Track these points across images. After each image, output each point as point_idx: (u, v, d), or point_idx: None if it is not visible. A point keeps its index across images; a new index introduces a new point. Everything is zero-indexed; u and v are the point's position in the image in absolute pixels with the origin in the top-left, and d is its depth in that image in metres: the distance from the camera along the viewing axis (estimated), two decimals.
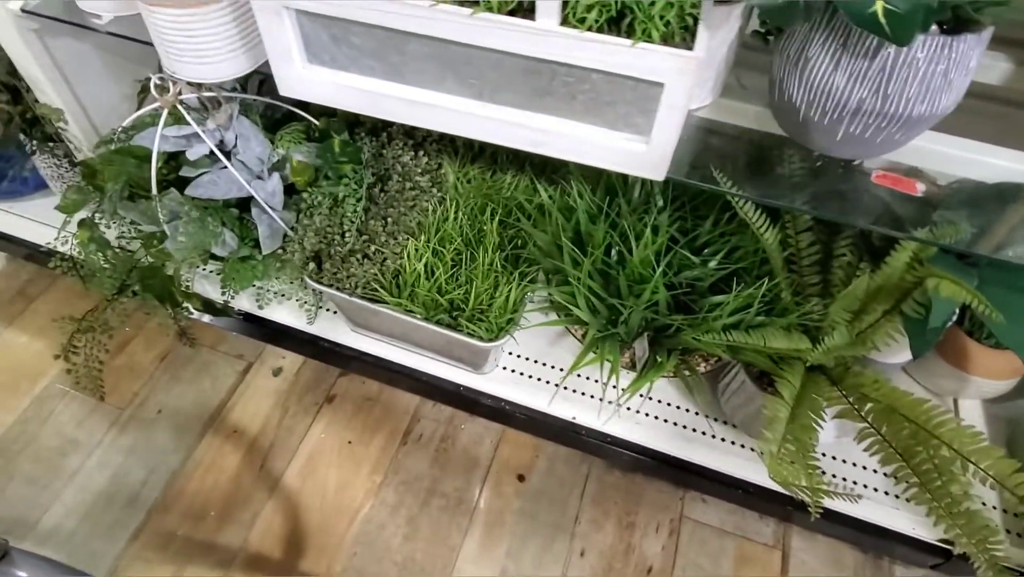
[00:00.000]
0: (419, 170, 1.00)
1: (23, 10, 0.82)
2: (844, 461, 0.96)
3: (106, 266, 0.99)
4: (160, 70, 1.00)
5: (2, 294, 1.38)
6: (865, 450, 0.72)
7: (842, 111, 0.61)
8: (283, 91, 0.71)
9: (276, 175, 0.97)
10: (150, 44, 0.80)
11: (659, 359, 0.77)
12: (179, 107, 0.90)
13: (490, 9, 0.56)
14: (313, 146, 0.98)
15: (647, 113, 0.60)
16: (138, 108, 1.06)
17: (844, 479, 0.95)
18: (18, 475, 1.12)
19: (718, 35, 0.61)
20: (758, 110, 0.74)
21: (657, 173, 0.64)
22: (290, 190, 1.01)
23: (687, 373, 0.79)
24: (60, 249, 1.01)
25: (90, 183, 1.00)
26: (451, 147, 1.02)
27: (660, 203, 0.88)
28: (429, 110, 0.66)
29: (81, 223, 0.97)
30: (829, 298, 0.83)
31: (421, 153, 1.01)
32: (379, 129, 1.04)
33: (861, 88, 0.59)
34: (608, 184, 0.90)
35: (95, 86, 0.98)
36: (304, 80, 0.69)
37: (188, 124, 0.92)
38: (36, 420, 1.19)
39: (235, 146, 0.96)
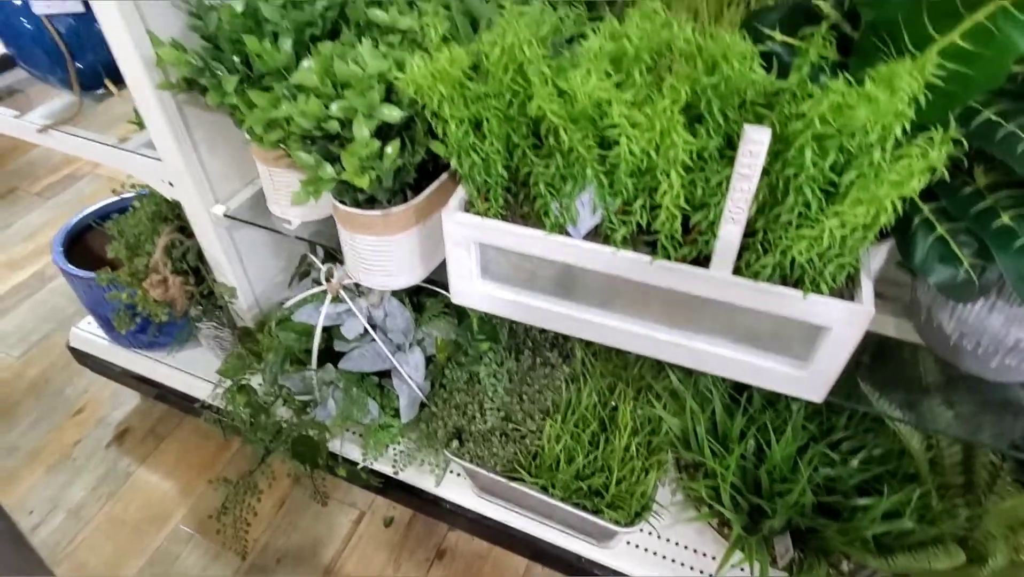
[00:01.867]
0: (547, 344, 1.07)
1: (225, 215, 0.95)
2: None
3: (256, 427, 1.07)
4: (312, 251, 1.13)
5: (136, 432, 1.49)
6: None
7: (998, 346, 0.64)
8: (456, 300, 0.80)
9: (418, 349, 1.05)
10: (332, 248, 0.92)
11: (810, 563, 0.78)
12: (340, 290, 1.01)
13: (667, 257, 0.64)
14: (453, 322, 1.06)
15: (810, 345, 0.65)
16: (291, 281, 1.18)
17: None
18: None
19: (874, 274, 0.67)
20: (897, 321, 0.78)
21: (816, 396, 0.68)
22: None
23: None
24: (210, 402, 1.11)
25: (250, 350, 1.10)
26: None
27: None
28: (595, 328, 0.73)
29: (241, 388, 1.07)
30: (973, 496, 0.83)
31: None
32: None
33: (1019, 330, 0.62)
34: None
35: (261, 265, 1.11)
36: (478, 293, 0.78)
37: (343, 302, 1.03)
38: (164, 563, 1.25)
39: (383, 321, 1.05)
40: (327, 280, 1.00)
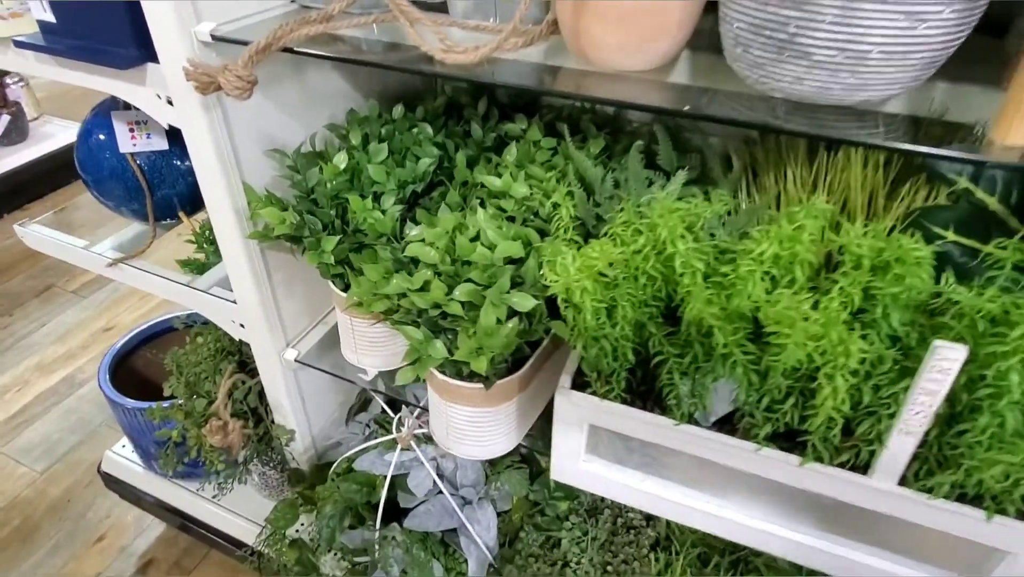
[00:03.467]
0: None
1: (297, 360, 0.90)
2: None
3: None
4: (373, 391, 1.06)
5: (160, 565, 1.38)
6: None
7: None
8: (557, 477, 0.73)
9: (489, 506, 0.97)
10: (409, 403, 0.86)
11: None
12: (411, 440, 0.94)
13: (819, 460, 0.57)
14: (525, 475, 0.99)
15: (982, 563, 0.57)
16: (348, 418, 1.12)
17: None
18: None
19: None
20: None
21: None
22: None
23: None
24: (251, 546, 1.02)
25: (301, 495, 1.02)
26: None
27: None
28: (716, 521, 0.66)
29: (292, 543, 0.98)
30: None
31: None
32: None
33: None
34: None
35: (321, 404, 1.05)
36: (584, 472, 0.71)
37: (410, 450, 0.96)
38: None
39: (452, 472, 0.98)
40: (397, 429, 0.93)
